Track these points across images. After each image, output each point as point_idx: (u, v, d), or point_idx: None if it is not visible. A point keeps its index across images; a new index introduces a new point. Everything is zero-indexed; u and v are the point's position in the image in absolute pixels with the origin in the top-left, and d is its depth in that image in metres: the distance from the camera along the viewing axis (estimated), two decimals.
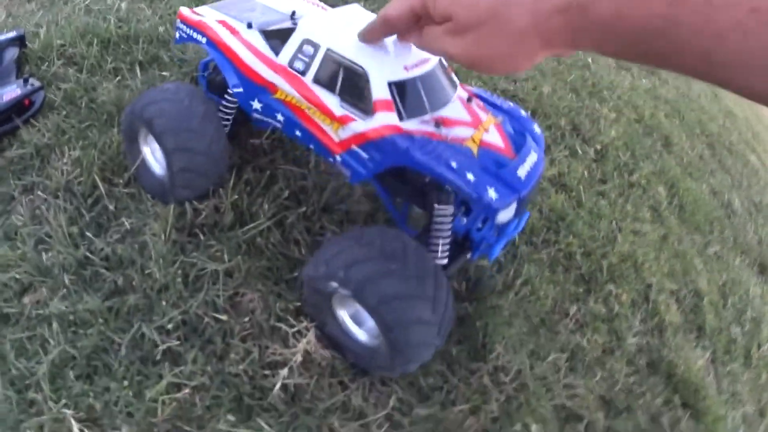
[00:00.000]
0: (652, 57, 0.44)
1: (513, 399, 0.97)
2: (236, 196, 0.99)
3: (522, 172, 0.83)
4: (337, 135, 0.88)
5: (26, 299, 0.88)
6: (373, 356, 0.84)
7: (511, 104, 0.99)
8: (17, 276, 0.88)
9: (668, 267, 1.53)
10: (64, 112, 1.14)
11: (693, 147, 2.49)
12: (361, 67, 0.82)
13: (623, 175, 1.81)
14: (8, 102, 1.08)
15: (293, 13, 1.01)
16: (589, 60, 2.42)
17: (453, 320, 0.84)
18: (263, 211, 1.00)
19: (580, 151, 1.76)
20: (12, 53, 1.22)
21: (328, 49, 0.85)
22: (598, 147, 1.84)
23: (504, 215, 0.84)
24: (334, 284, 0.78)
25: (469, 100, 0.91)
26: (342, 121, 0.85)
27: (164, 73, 1.28)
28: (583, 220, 1.43)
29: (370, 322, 0.85)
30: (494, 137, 0.86)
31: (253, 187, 1.04)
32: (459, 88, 0.92)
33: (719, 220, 2.02)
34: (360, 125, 0.84)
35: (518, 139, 0.89)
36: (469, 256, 0.96)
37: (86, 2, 1.45)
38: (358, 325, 0.87)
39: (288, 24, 0.97)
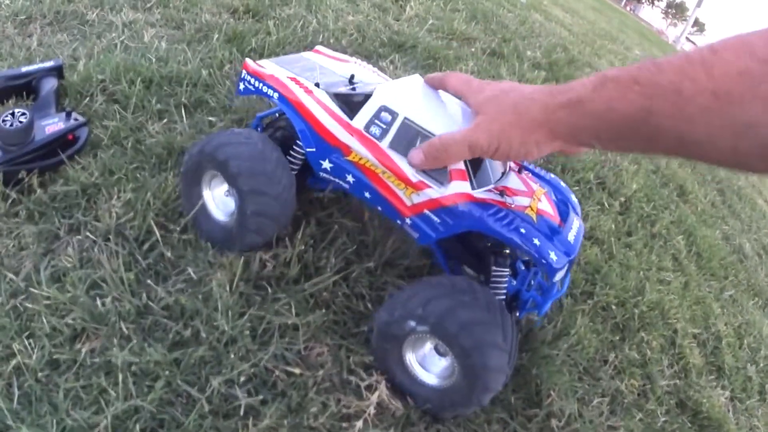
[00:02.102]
0: (637, 141, 0.56)
1: None
2: (302, 247, 0.99)
3: (571, 237, 0.91)
4: (410, 199, 0.90)
5: (82, 346, 0.84)
6: (445, 397, 0.87)
7: (552, 176, 1.07)
8: (69, 321, 0.84)
9: (690, 313, 1.62)
10: (111, 152, 1.10)
11: (705, 195, 2.64)
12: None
13: (646, 226, 1.91)
14: (51, 135, 1.04)
15: (352, 76, 1.05)
16: None
17: (517, 354, 0.89)
18: (330, 265, 1.00)
19: (606, 205, 1.85)
20: (51, 84, 1.16)
21: (405, 118, 0.88)
22: (623, 200, 1.94)
23: (559, 275, 0.91)
24: (412, 323, 0.82)
25: (520, 171, 1.00)
26: (417, 187, 0.88)
27: (211, 119, 1.25)
28: (615, 272, 1.51)
29: (441, 363, 0.89)
30: (546, 206, 0.94)
31: (317, 240, 1.04)
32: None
33: (733, 265, 2.14)
34: (435, 192, 0.88)
35: (562, 208, 0.98)
36: (516, 314, 1.01)
37: (122, 38, 1.41)
38: (426, 369, 0.89)
39: (349, 88, 1.00)
